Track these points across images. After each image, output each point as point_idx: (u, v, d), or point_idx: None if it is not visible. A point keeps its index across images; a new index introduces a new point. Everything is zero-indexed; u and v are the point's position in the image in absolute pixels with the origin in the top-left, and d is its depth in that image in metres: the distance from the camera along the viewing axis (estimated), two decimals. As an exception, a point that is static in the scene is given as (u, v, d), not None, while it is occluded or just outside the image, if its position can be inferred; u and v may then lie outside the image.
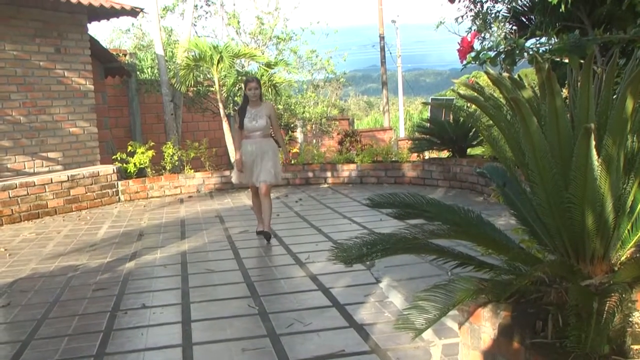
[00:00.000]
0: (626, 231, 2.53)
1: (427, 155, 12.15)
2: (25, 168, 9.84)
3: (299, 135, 16.70)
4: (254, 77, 7.61)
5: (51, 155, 10.24)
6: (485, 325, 2.57)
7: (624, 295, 2.18)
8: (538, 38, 6.56)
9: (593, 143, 2.23)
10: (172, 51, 13.58)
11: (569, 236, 2.51)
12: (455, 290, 2.45)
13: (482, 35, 7.52)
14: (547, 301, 2.49)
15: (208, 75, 13.04)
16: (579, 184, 2.33)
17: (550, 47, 3.40)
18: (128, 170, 10.77)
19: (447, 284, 2.49)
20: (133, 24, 16.87)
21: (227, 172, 11.31)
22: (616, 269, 2.54)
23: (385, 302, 4.39)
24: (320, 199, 9.64)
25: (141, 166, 10.85)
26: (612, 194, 2.35)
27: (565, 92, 3.38)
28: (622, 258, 2.58)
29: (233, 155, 10.91)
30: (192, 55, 11.85)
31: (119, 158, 10.79)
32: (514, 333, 2.40)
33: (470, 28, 8.64)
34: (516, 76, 3.12)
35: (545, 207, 2.52)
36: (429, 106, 19.04)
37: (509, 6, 8.02)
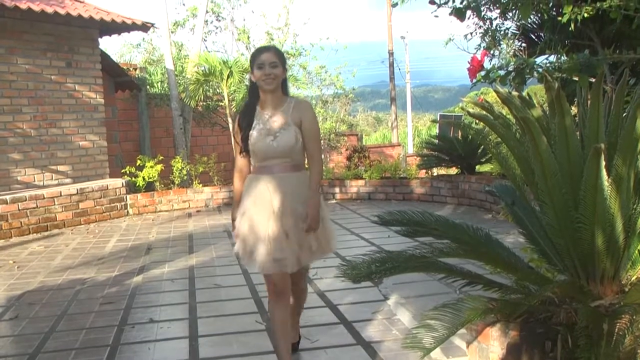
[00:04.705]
0: (636, 251, 2.52)
1: (435, 171, 12.12)
2: (34, 181, 9.88)
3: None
4: (270, 45, 4.50)
5: (61, 168, 10.29)
6: (494, 344, 2.55)
7: (634, 317, 2.17)
8: (547, 56, 6.55)
9: (603, 163, 2.22)
10: (182, 66, 13.67)
11: (578, 256, 2.50)
12: (464, 310, 2.44)
13: (492, 52, 7.53)
14: (556, 321, 2.47)
15: (217, 90, 13.09)
16: (588, 204, 2.32)
17: (560, 65, 3.41)
18: (137, 184, 10.79)
19: (455, 303, 2.49)
20: (144, 39, 17.05)
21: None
22: (626, 289, 2.53)
23: (393, 319, 4.37)
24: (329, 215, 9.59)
25: (150, 180, 10.87)
26: (622, 214, 2.35)
27: (574, 110, 3.37)
28: (633, 278, 2.56)
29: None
30: (202, 70, 11.92)
31: (128, 172, 10.82)
32: (522, 353, 2.39)
33: (479, 45, 8.65)
34: (525, 94, 3.12)
35: (554, 226, 2.51)
36: (438, 123, 19.05)
37: (518, 23, 8.02)
